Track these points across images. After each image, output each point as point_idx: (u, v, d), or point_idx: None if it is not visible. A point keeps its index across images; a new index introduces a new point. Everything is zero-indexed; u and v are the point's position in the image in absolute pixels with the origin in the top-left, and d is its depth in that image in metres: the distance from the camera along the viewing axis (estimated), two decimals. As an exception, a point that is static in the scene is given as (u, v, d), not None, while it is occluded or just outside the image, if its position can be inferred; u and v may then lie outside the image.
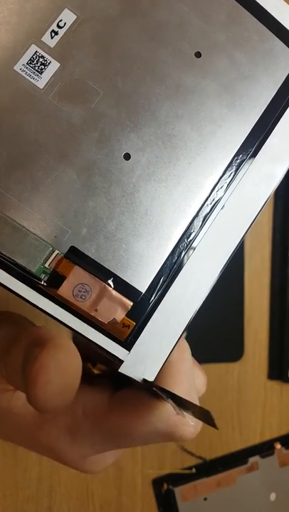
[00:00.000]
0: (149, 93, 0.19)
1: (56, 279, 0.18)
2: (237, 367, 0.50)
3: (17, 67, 0.18)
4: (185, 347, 0.21)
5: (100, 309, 0.18)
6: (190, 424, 0.21)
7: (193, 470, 0.48)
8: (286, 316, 0.50)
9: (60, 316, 0.18)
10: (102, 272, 0.18)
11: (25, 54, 0.18)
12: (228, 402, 0.51)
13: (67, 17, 0.18)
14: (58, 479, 0.45)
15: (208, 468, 0.49)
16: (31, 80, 0.18)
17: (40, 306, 0.18)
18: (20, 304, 0.17)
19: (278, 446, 0.52)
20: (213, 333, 0.49)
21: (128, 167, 0.18)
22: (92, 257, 0.18)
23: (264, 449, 0.51)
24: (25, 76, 0.18)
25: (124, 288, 0.18)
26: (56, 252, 0.18)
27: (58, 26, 0.18)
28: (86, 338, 0.18)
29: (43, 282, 0.18)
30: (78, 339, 0.18)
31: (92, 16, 0.18)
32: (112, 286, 0.18)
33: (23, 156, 0.18)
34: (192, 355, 0.21)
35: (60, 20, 0.18)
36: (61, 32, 0.18)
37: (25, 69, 0.18)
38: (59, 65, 0.18)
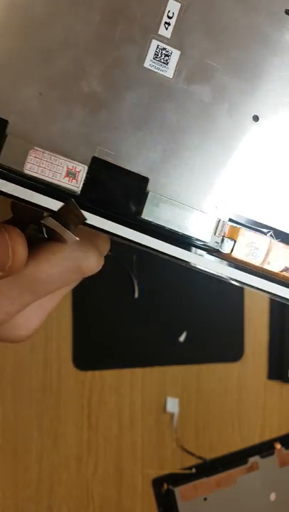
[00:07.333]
0: (257, 56, 0.20)
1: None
2: (237, 367, 0.50)
3: (146, 64, 0.19)
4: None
5: (271, 261, 0.20)
6: (93, 256, 0.21)
7: (193, 470, 0.48)
8: (286, 316, 0.50)
9: (244, 279, 0.20)
10: (263, 229, 0.20)
11: (149, 50, 0.19)
12: (228, 402, 0.51)
13: (173, 6, 0.19)
14: (58, 479, 0.45)
15: (208, 468, 0.48)
16: (161, 73, 0.19)
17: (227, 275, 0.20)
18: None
19: (278, 446, 0.52)
20: (213, 333, 0.49)
21: (258, 129, 0.20)
22: (251, 218, 0.20)
23: (264, 449, 0.51)
24: (155, 70, 0.19)
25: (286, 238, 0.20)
26: (221, 221, 0.20)
27: (168, 17, 0.19)
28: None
29: (221, 250, 0.19)
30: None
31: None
32: (275, 238, 0.20)
33: (173, 143, 0.19)
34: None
35: (169, 11, 0.19)
36: (172, 22, 0.19)
37: (153, 64, 0.19)
38: (179, 52, 0.19)
